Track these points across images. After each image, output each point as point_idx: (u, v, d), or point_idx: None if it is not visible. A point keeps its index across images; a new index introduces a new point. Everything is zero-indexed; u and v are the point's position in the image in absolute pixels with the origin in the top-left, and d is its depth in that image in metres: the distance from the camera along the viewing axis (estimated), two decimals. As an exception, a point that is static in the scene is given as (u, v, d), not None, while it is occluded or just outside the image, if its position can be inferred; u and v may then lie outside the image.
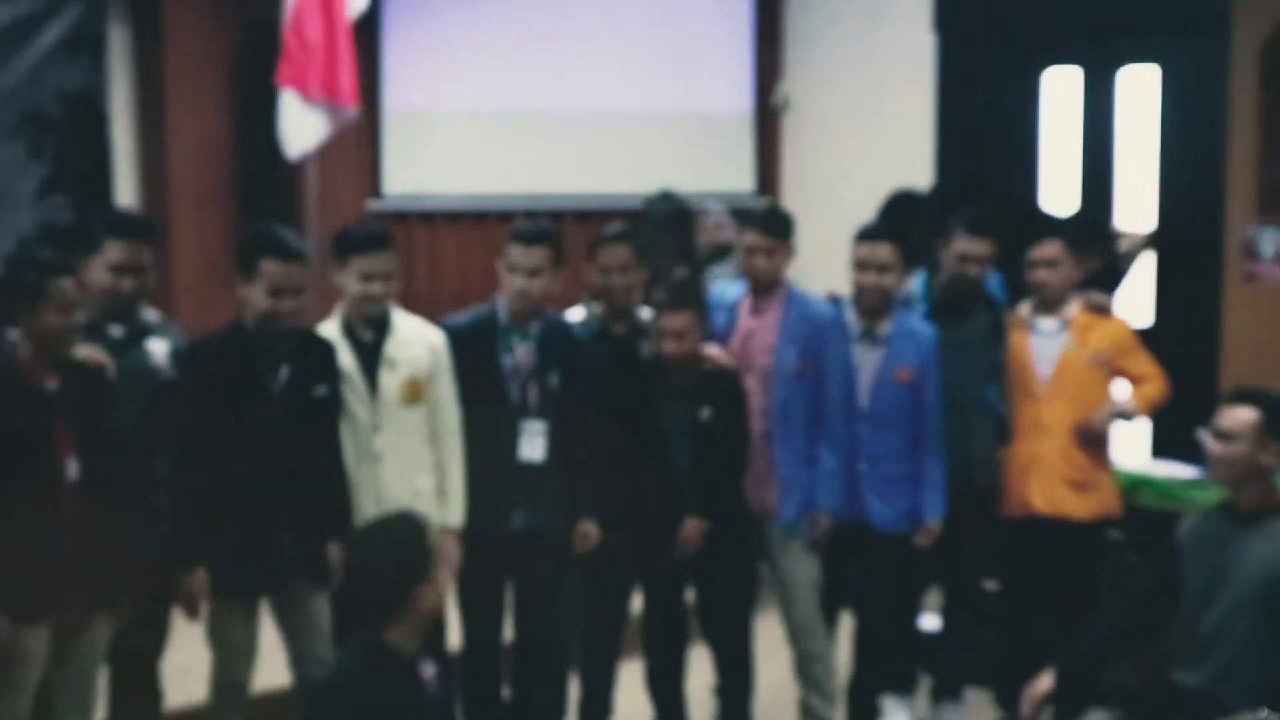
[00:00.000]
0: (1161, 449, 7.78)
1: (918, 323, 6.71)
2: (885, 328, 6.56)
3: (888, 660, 7.01)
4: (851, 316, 6.60)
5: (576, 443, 6.32)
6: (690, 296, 6.51)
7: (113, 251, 5.84)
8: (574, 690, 6.61)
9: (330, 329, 6.05)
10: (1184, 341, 8.10)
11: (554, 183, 9.40)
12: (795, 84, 9.79)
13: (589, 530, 6.32)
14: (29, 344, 5.28)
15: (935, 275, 7.00)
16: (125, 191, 8.24)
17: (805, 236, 6.82)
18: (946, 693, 7.17)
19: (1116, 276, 7.96)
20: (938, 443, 6.63)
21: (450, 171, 9.30)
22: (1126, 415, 6.90)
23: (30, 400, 5.30)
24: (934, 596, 7.18)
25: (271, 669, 6.12)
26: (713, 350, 6.51)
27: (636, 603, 6.75)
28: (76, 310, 5.33)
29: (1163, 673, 5.60)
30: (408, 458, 6.06)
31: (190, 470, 5.73)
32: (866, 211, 7.47)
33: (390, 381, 6.00)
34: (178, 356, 5.90)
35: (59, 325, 5.26)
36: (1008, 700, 7.01)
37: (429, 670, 4.43)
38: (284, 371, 5.78)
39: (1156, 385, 6.88)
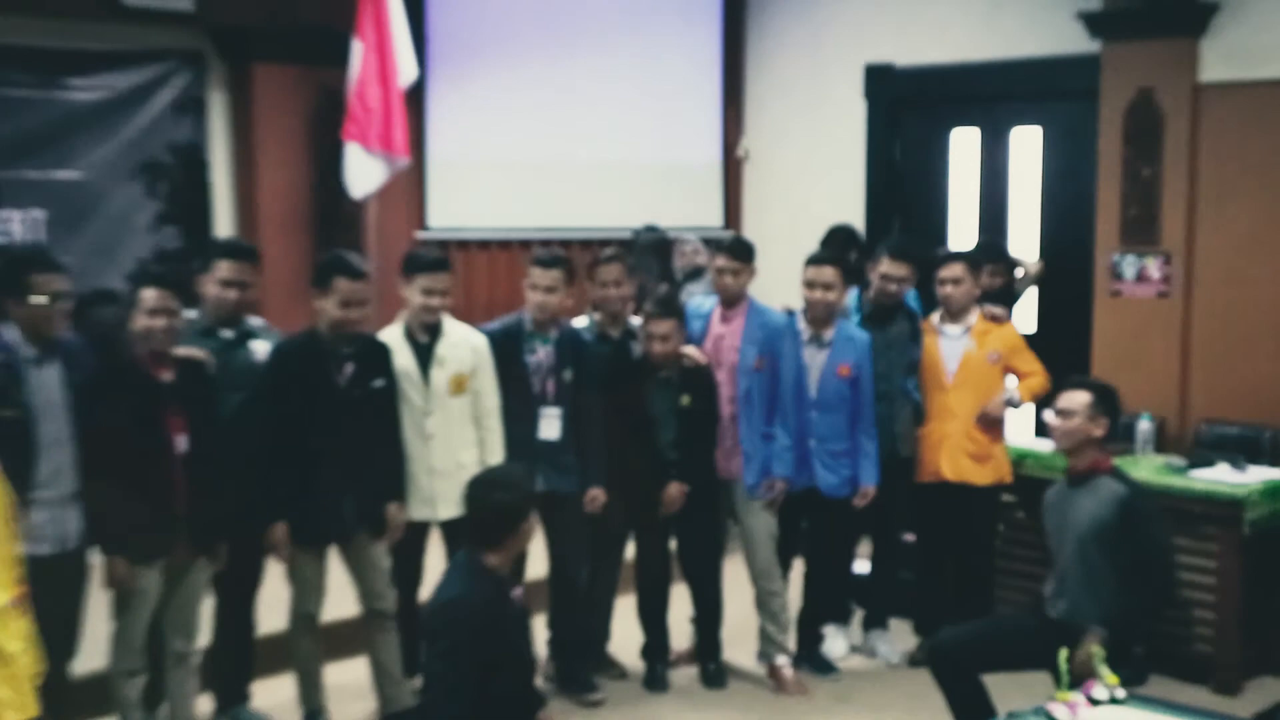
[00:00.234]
0: (1043, 429, 7.70)
1: (854, 329, 6.73)
2: (829, 333, 6.60)
3: (829, 596, 7.03)
4: (802, 324, 6.63)
5: (586, 424, 6.32)
6: (673, 308, 6.50)
7: (223, 270, 5.85)
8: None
9: (393, 332, 6.05)
10: (1062, 344, 8.10)
11: (563, 218, 9.38)
12: (754, 140, 9.77)
13: (597, 494, 6.34)
14: (139, 343, 5.29)
15: (866, 291, 7.01)
16: (223, 224, 8.24)
17: (763, 261, 6.79)
18: (875, 622, 7.19)
19: (1013, 295, 7.94)
20: (871, 424, 6.66)
21: (481, 208, 9.28)
22: (1015, 403, 6.94)
23: (149, 389, 5.33)
24: (864, 546, 7.10)
25: (338, 604, 6.09)
26: (691, 350, 6.52)
27: (630, 550, 6.74)
28: (165, 314, 5.31)
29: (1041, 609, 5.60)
30: (454, 437, 6.06)
31: (274, 444, 5.70)
32: (811, 242, 7.51)
33: (440, 376, 6.01)
34: (270, 357, 5.87)
35: (148, 326, 5.26)
36: (923, 628, 7.08)
37: (517, 591, 4.47)
38: (349, 368, 5.77)
39: (1040, 379, 6.90)
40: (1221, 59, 7.54)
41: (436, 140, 9.07)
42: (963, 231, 8.96)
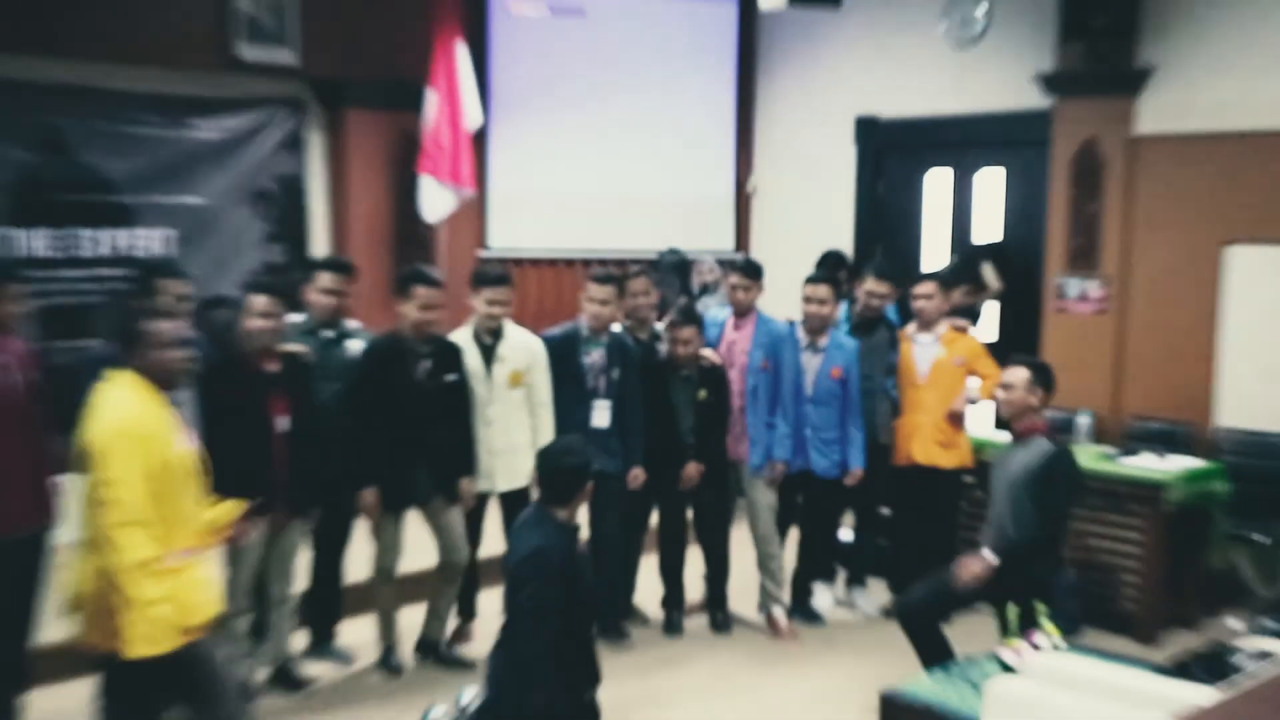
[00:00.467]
0: (999, 422, 7.71)
1: (844, 337, 6.75)
2: (823, 341, 6.63)
3: (819, 559, 7.06)
4: (801, 333, 6.66)
5: (629, 415, 6.34)
6: (693, 316, 6.51)
7: (324, 280, 5.92)
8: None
9: (463, 334, 6.09)
10: (1016, 350, 8.00)
11: (600, 240, 9.37)
12: (761, 178, 9.78)
13: (638, 473, 6.38)
14: (249, 340, 5.36)
15: (853, 306, 7.03)
16: (318, 242, 8.27)
17: (768, 280, 6.82)
18: (856, 580, 7.22)
19: (976, 311, 7.96)
20: (859, 416, 6.68)
21: (533, 231, 9.27)
22: (976, 401, 6.92)
23: (256, 378, 5.38)
24: (848, 517, 7.12)
25: (412, 559, 6.14)
26: (708, 352, 6.56)
27: (653, 518, 6.77)
28: (270, 317, 5.37)
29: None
30: (510, 423, 6.10)
31: (364, 425, 5.75)
32: (808, 264, 7.51)
33: (500, 371, 6.05)
34: (363, 353, 5.92)
35: (256, 326, 5.32)
36: (896, 586, 7.10)
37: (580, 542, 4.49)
38: (425, 364, 5.81)
39: (996, 381, 6.81)
40: (1154, 115, 7.54)
41: (496, 174, 9.09)
42: (936, 257, 8.95)
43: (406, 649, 6.13)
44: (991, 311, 8.56)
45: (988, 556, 5.36)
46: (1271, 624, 5.10)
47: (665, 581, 6.77)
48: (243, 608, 5.49)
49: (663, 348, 6.51)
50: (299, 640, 6.06)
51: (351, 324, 6.08)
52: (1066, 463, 5.41)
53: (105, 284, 7.27)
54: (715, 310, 7.10)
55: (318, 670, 5.99)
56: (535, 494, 5.80)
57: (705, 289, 8.45)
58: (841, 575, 7.25)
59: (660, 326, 6.67)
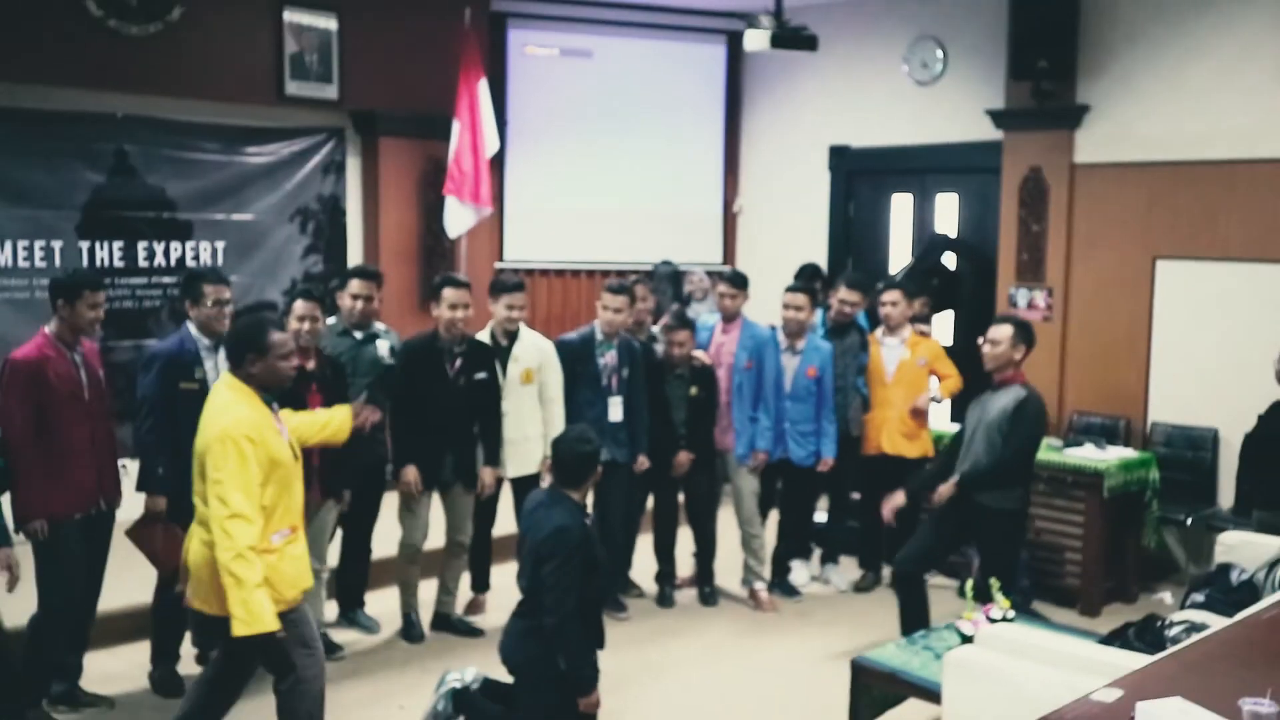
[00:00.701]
0: (956, 417, 7.65)
1: (820, 340, 6.68)
2: (801, 344, 6.57)
3: (796, 539, 6.97)
4: (782, 337, 6.59)
5: (636, 409, 6.25)
6: (686, 321, 6.44)
7: (354, 286, 5.87)
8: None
9: (483, 337, 6.02)
10: (973, 354, 7.92)
11: (603, 252, 9.31)
12: (746, 199, 9.69)
13: (644, 460, 6.29)
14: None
15: (828, 312, 6.94)
16: (354, 254, 8.17)
17: (753, 289, 6.75)
18: (829, 558, 7.14)
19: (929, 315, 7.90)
20: (831, 410, 6.61)
21: (544, 245, 9.20)
22: (937, 399, 6.87)
23: (297, 374, 5.18)
24: (823, 501, 7.04)
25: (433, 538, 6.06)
26: (699, 353, 6.48)
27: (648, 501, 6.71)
28: (310, 320, 5.35)
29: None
30: (523, 416, 6.02)
31: (402, 415, 5.73)
32: (787, 275, 7.47)
33: (514, 370, 5.98)
34: (397, 350, 5.88)
35: (297, 329, 5.28)
36: (865, 563, 7.05)
37: (589, 519, 4.39)
38: (458, 363, 5.75)
39: (955, 380, 6.86)
40: (1091, 147, 7.47)
41: (512, 194, 9.02)
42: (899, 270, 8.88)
43: (426, 619, 6.03)
44: (949, 318, 8.48)
45: (952, 480, 5.40)
46: (1198, 598, 5.02)
47: (659, 558, 6.69)
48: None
49: (659, 349, 6.43)
50: (330, 610, 5.98)
51: (379, 326, 6.00)
52: (1034, 405, 5.40)
53: (163, 290, 7.22)
54: (706, 316, 7.04)
55: (347, 638, 5.88)
56: (546, 479, 5.82)
57: (690, 297, 8.37)
58: (816, 553, 7.16)
59: (656, 329, 6.60)
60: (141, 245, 7.17)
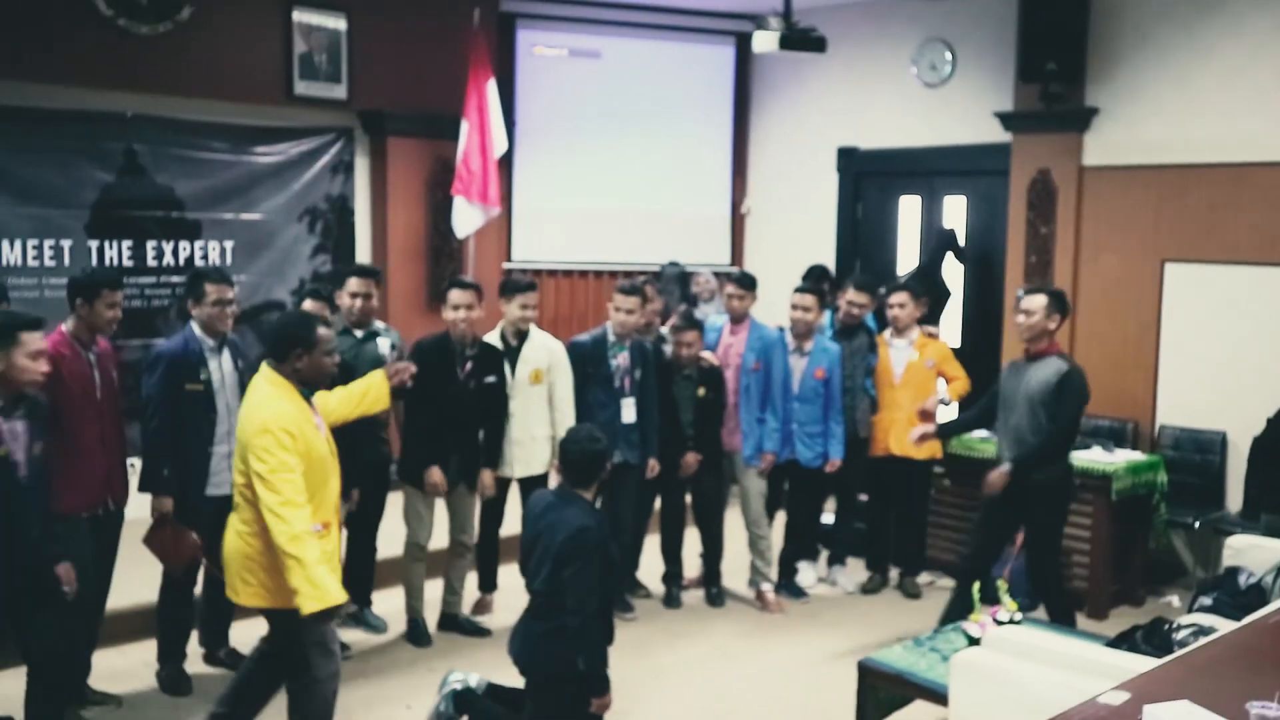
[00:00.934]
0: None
1: (828, 342, 6.68)
2: (809, 345, 6.57)
3: (803, 540, 6.98)
4: (790, 338, 6.58)
5: (648, 410, 6.24)
6: (695, 322, 6.44)
7: (353, 285, 5.89)
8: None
9: (492, 337, 6.02)
10: (980, 357, 8.01)
11: (611, 253, 9.32)
12: (754, 200, 9.70)
13: (655, 463, 6.29)
14: None
15: (836, 314, 6.93)
16: (362, 254, 8.17)
17: (761, 290, 6.76)
18: (836, 560, 7.12)
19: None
20: (839, 412, 6.60)
21: (552, 246, 9.20)
22: (945, 400, 6.87)
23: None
24: (830, 503, 7.04)
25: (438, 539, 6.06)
26: (707, 354, 6.47)
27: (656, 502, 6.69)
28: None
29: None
30: (530, 417, 6.01)
31: (415, 416, 5.75)
32: (795, 277, 7.48)
33: (523, 370, 5.97)
34: (412, 349, 5.84)
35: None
36: (872, 564, 7.04)
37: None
38: (468, 365, 5.74)
39: (963, 383, 6.84)
40: (1099, 149, 7.46)
41: (520, 194, 9.03)
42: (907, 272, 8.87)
43: (431, 620, 6.04)
44: (957, 320, 8.48)
45: (1004, 469, 5.40)
46: (1206, 601, 5.02)
47: (666, 559, 6.68)
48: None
49: (667, 349, 6.44)
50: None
51: (379, 324, 6.02)
52: (1078, 378, 5.41)
53: (171, 290, 7.24)
54: (714, 317, 7.03)
55: (354, 637, 5.89)
56: (555, 480, 5.83)
57: (697, 298, 8.38)
58: (823, 555, 7.16)
59: (665, 330, 6.60)
60: (150, 244, 7.19)
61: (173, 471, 4.99)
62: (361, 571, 6.05)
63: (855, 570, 7.06)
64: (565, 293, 9.20)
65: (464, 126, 7.91)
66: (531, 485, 5.95)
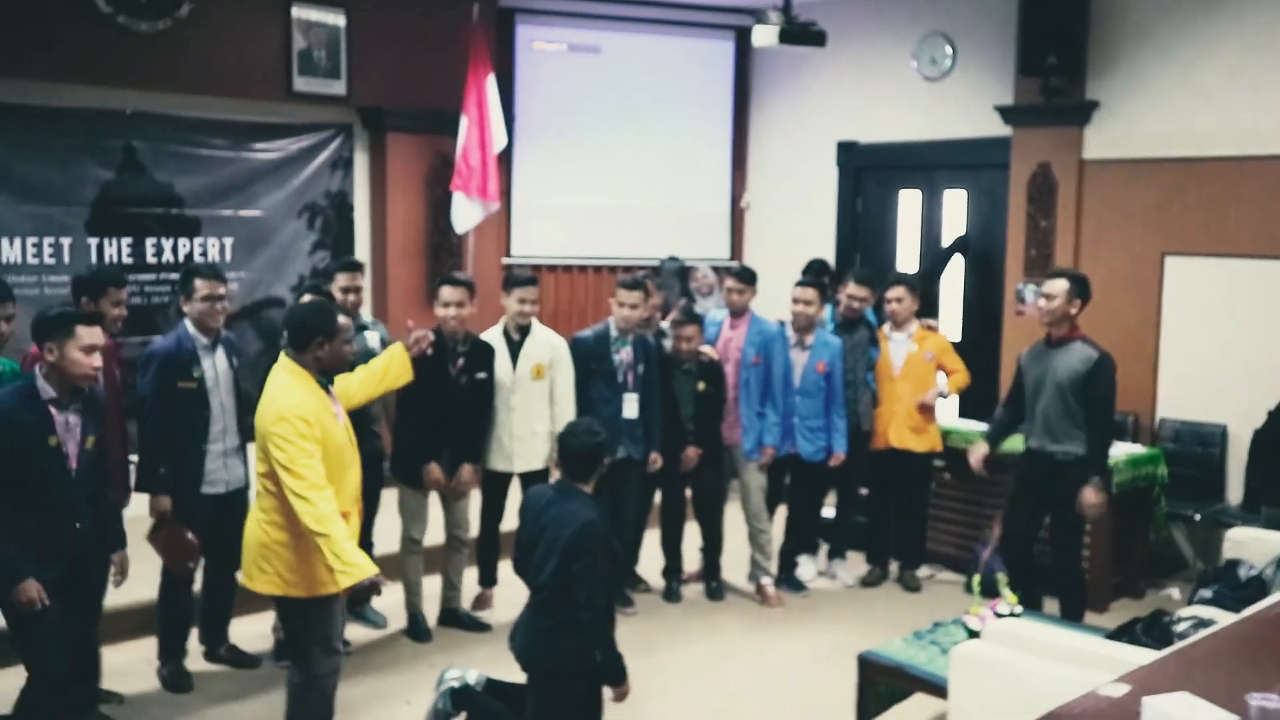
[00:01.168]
0: (964, 412, 7.69)
1: (829, 336, 6.68)
2: (810, 339, 6.56)
3: (803, 534, 6.97)
4: (791, 332, 6.58)
5: (651, 406, 6.23)
6: (694, 316, 6.44)
7: (342, 279, 5.88)
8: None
9: (495, 332, 6.01)
10: (980, 350, 8.02)
11: (610, 249, 9.32)
12: (754, 195, 9.70)
13: (657, 458, 6.28)
14: None
15: (836, 308, 6.92)
16: (362, 250, 8.17)
17: (761, 284, 6.75)
18: (836, 554, 7.12)
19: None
20: (842, 405, 6.60)
21: (551, 241, 9.20)
22: (944, 393, 6.86)
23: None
24: (830, 496, 7.03)
25: (432, 534, 6.07)
26: (707, 348, 6.47)
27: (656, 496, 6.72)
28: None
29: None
30: (531, 411, 5.99)
31: (409, 411, 5.76)
32: (795, 271, 7.45)
33: (525, 365, 5.96)
34: (386, 341, 5.84)
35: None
36: (873, 559, 7.05)
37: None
38: (460, 361, 5.73)
39: (963, 376, 6.84)
40: (1099, 143, 7.46)
41: (519, 190, 9.03)
42: (908, 266, 8.83)
43: (431, 615, 6.05)
44: (957, 314, 8.49)
45: (1096, 483, 5.38)
46: (1206, 594, 5.02)
47: (666, 554, 6.68)
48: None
49: (667, 344, 6.43)
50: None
51: (367, 317, 6.05)
52: (1110, 365, 5.43)
53: (171, 287, 7.22)
54: (714, 311, 7.03)
55: (354, 633, 5.88)
56: (555, 475, 5.83)
57: (696, 293, 8.38)
58: (823, 549, 7.16)
59: (665, 325, 6.60)
60: (150, 242, 7.19)
61: (168, 470, 4.99)
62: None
63: (855, 564, 7.06)
64: (565, 288, 9.20)
65: (463, 122, 7.90)
66: (532, 480, 5.94)
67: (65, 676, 4.22)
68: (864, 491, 7.09)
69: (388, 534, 6.04)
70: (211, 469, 5.13)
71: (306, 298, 5.43)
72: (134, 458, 5.17)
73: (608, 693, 4.25)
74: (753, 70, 9.58)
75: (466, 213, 8.01)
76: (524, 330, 5.98)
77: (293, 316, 4.38)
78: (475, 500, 6.10)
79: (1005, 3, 7.79)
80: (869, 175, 9.05)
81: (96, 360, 4.19)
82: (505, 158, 8.61)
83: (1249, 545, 5.15)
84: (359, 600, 5.20)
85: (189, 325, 5.13)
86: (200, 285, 5.10)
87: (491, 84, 7.97)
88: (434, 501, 5.97)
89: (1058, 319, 5.46)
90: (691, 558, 6.79)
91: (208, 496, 5.12)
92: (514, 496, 6.12)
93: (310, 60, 7.63)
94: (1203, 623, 4.29)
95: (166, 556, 5.06)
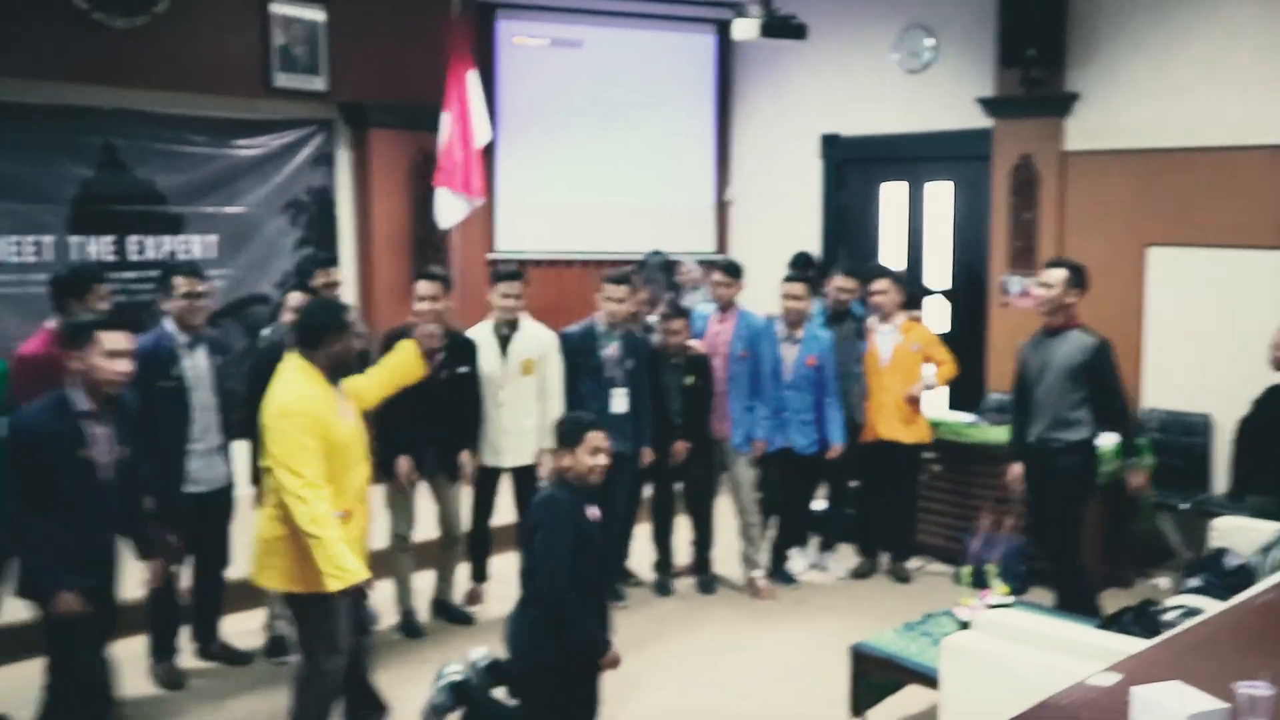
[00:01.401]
0: (952, 404, 7.74)
1: (819, 329, 6.69)
2: (800, 333, 6.57)
3: (794, 527, 6.99)
4: (781, 326, 6.59)
5: (640, 401, 6.25)
6: (682, 310, 6.46)
7: (318, 277, 5.95)
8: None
9: (484, 327, 6.03)
10: (966, 341, 8.05)
11: (595, 243, 9.30)
12: (738, 188, 9.71)
13: (646, 452, 6.30)
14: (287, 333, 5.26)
15: (825, 301, 6.94)
16: (345, 246, 8.18)
17: (746, 278, 6.75)
18: (827, 546, 7.15)
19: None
20: (835, 397, 6.61)
21: (535, 236, 9.19)
22: (931, 385, 6.89)
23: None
24: (821, 489, 7.07)
25: (422, 530, 6.10)
26: (694, 342, 6.49)
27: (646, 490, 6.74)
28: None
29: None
30: (520, 407, 6.01)
31: (387, 407, 5.53)
32: (780, 265, 7.48)
33: (514, 360, 5.98)
34: (382, 339, 5.82)
35: (292, 320, 5.20)
36: (864, 551, 7.08)
37: (594, 511, 4.32)
38: (440, 356, 5.68)
39: (949, 367, 6.89)
40: (1081, 134, 7.51)
41: (503, 185, 9.02)
42: (892, 259, 8.83)
43: (423, 611, 6.07)
44: (943, 306, 8.53)
45: (1134, 464, 5.62)
46: (1194, 582, 5.07)
47: (657, 547, 6.71)
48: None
49: (654, 339, 6.45)
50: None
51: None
52: (1110, 350, 5.51)
53: (154, 285, 7.19)
54: (701, 305, 7.05)
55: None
56: (543, 470, 5.86)
57: (681, 287, 8.38)
58: (814, 542, 7.18)
59: (652, 319, 6.61)
60: (132, 239, 7.18)
61: (150, 471, 4.98)
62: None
63: (846, 556, 7.10)
64: (551, 283, 9.15)
65: (445, 117, 7.90)
66: (522, 475, 6.00)
67: (98, 686, 4.26)
68: (853, 484, 7.11)
69: (377, 531, 6.04)
70: (194, 468, 5.13)
71: (294, 295, 5.44)
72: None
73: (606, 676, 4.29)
74: (735, 64, 9.59)
75: (450, 208, 8.01)
76: (512, 325, 5.99)
77: (301, 317, 4.39)
78: (466, 496, 6.12)
79: (985, -5, 7.84)
80: (852, 168, 9.08)
81: (122, 365, 4.17)
82: (488, 153, 8.60)
83: (1235, 534, 5.20)
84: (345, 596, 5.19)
85: (168, 323, 5.13)
86: (179, 283, 5.10)
87: (473, 79, 7.97)
88: (426, 498, 5.98)
89: (1055, 308, 5.51)
90: (682, 551, 6.82)
91: (190, 496, 5.12)
92: (504, 492, 6.19)
93: (290, 56, 7.61)
94: (1191, 611, 4.32)
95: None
